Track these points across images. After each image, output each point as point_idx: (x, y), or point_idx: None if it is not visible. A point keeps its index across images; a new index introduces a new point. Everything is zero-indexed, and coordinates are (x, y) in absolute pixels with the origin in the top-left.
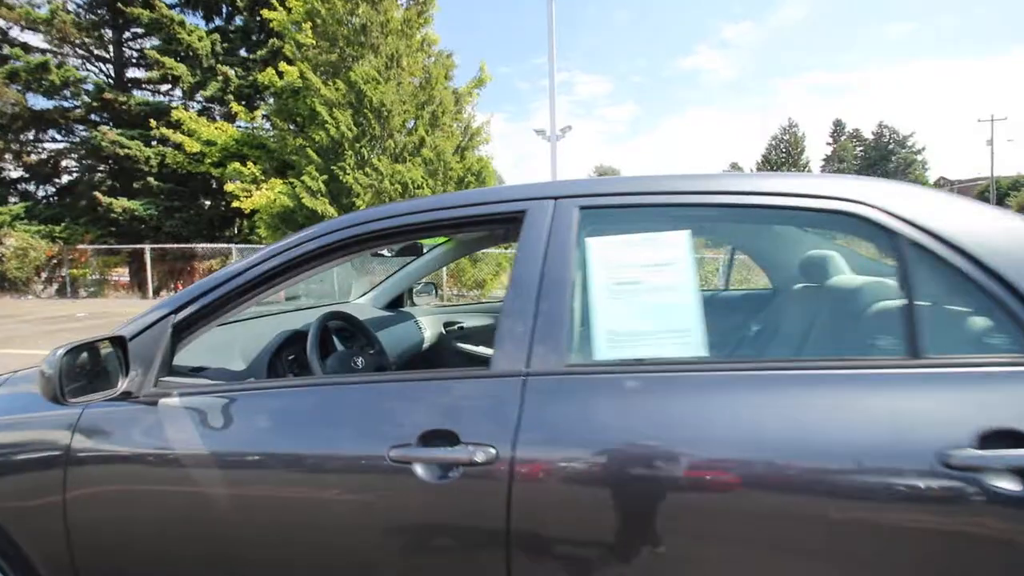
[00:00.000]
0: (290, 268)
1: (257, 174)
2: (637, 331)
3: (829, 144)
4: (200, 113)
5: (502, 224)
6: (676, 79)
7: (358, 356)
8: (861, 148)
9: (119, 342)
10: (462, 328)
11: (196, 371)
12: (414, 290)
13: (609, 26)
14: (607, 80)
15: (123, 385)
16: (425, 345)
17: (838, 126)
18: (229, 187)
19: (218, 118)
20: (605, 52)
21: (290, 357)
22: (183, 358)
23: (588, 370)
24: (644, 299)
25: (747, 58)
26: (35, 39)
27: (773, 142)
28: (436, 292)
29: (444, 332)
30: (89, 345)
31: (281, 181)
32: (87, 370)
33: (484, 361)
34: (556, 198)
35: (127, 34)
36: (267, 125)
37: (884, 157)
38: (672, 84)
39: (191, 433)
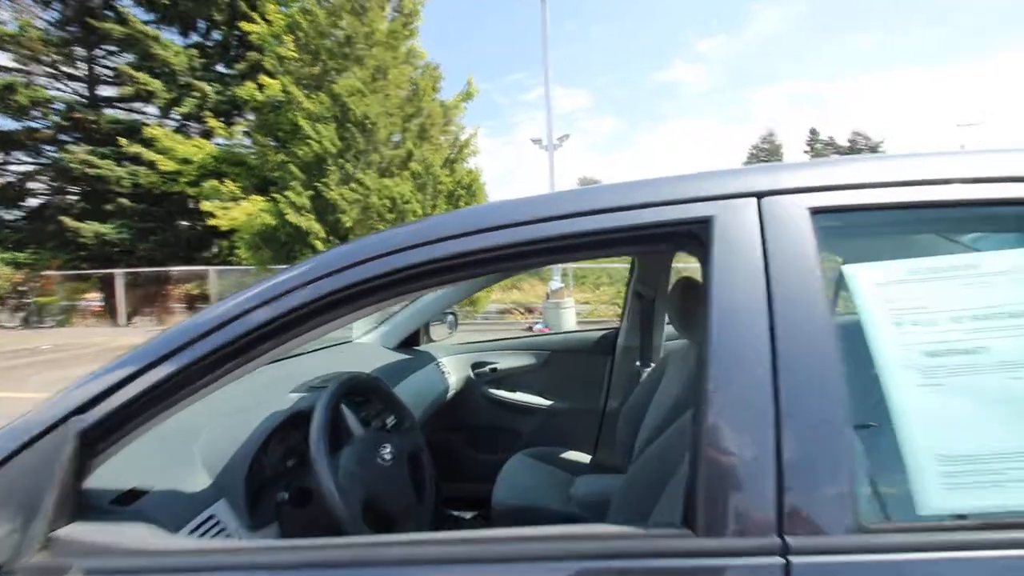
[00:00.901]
0: (296, 322)
1: (236, 192)
2: (1001, 452)
3: (806, 152)
4: (176, 131)
5: (665, 242)
6: (655, 91)
7: (384, 443)
8: (837, 155)
9: None
10: (494, 370)
11: (125, 498)
12: (429, 323)
13: (587, 41)
14: (587, 94)
15: None
16: (450, 393)
17: (814, 134)
18: (206, 206)
19: (195, 136)
20: (584, 67)
21: (281, 455)
22: (103, 473)
23: (914, 544)
24: (1002, 385)
25: (722, 70)
26: (1, 58)
27: (753, 151)
28: (456, 324)
29: (472, 376)
30: None
31: (262, 198)
32: None
33: (522, 411)
34: (761, 195)
35: (99, 51)
36: (247, 141)
37: None
38: (651, 96)
39: None
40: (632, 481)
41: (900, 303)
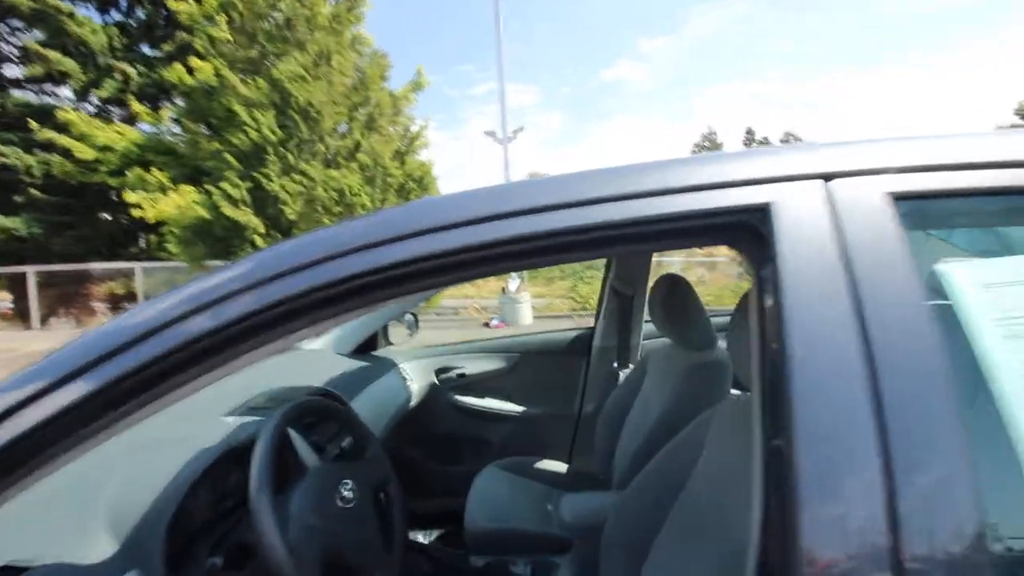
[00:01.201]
0: (242, 336)
1: (165, 182)
2: None
3: None
4: (95, 116)
5: (704, 237)
6: (601, 89)
7: (344, 478)
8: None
9: None
10: (462, 375)
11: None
12: (388, 324)
13: (534, 38)
14: (535, 90)
15: None
16: (413, 402)
17: (749, 134)
18: (131, 197)
19: (117, 121)
20: (532, 63)
21: (213, 501)
22: None
23: None
24: None
25: (664, 69)
26: None
27: (695, 149)
28: (416, 325)
29: (437, 382)
30: None
31: (194, 189)
32: None
33: (492, 418)
34: (829, 176)
35: (4, 27)
36: (176, 128)
37: None
38: (597, 94)
39: None
40: (630, 502)
41: (1012, 310)
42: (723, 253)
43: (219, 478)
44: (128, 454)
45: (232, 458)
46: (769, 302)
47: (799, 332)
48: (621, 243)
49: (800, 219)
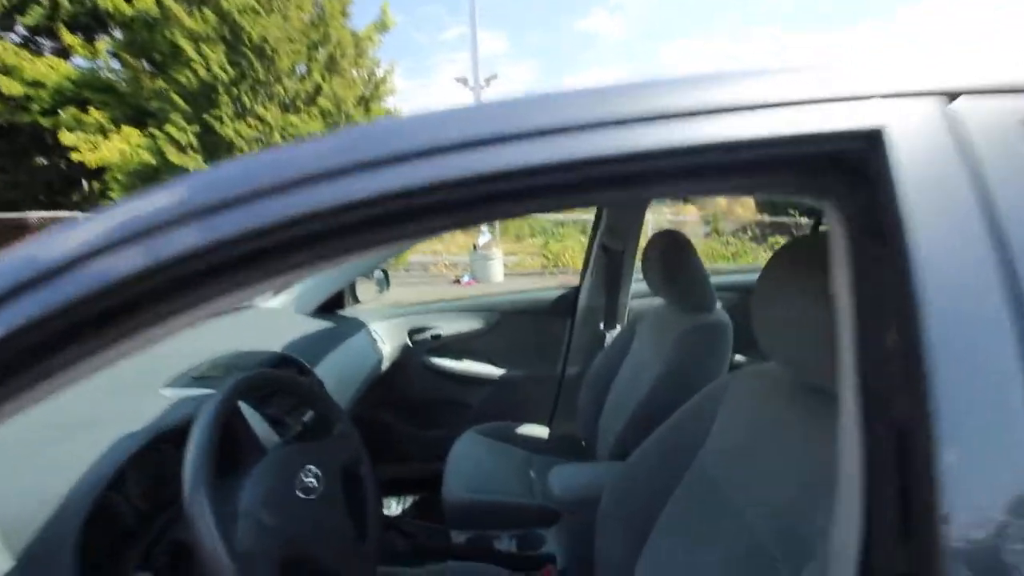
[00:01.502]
0: (182, 284)
1: (104, 123)
2: None
3: None
4: (21, 47)
5: (783, 173)
6: (574, 38)
7: (306, 463)
8: None
9: None
10: (437, 336)
11: None
12: (355, 281)
13: None
14: (505, 37)
15: None
16: (385, 365)
17: None
18: (67, 138)
19: (47, 55)
20: (502, 7)
21: (143, 493)
22: None
23: None
24: None
25: (635, 21)
26: None
27: None
28: (387, 282)
29: (410, 344)
30: None
31: (138, 132)
32: None
33: (469, 381)
34: (953, 94)
35: None
36: (115, 63)
37: None
38: (570, 44)
39: None
40: (631, 474)
41: None
42: (690, 212)
43: (152, 468)
44: (30, 438)
45: (169, 441)
46: (876, 259)
47: (933, 295)
48: (672, 179)
49: (924, 153)
